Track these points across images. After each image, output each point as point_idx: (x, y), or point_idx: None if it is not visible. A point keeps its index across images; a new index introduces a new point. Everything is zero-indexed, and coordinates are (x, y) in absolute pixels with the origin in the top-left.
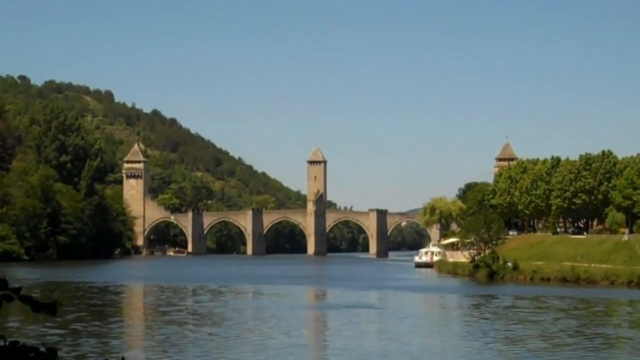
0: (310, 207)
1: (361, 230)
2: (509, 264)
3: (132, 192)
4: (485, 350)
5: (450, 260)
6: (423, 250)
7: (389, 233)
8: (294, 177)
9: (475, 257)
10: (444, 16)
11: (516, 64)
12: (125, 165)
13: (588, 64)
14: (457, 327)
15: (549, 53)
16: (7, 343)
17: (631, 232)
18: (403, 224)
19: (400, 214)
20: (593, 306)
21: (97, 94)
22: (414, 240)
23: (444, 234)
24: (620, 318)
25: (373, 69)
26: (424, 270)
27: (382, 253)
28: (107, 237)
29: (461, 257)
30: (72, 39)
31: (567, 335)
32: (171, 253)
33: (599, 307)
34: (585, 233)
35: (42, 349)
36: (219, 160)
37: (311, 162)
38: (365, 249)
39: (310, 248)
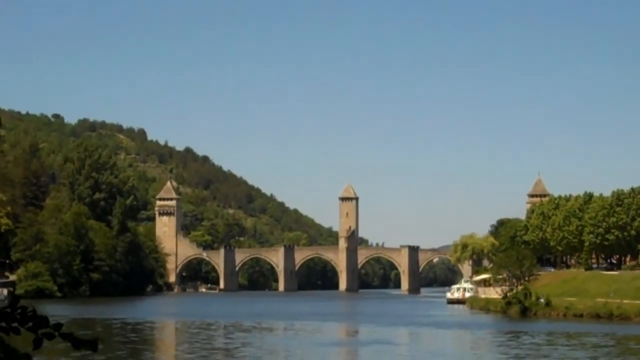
0: (342, 243)
1: (393, 267)
2: (542, 300)
3: (165, 229)
4: None
5: (483, 296)
6: (455, 287)
7: (420, 269)
8: (326, 214)
9: (508, 294)
10: (477, 52)
11: (549, 100)
12: (158, 203)
13: (621, 101)
14: None
15: (581, 90)
16: None
17: None
18: (435, 260)
19: (432, 250)
20: (626, 343)
21: (130, 132)
22: (446, 276)
23: (476, 270)
24: None
25: (405, 106)
26: (456, 306)
27: (414, 289)
28: (139, 274)
29: (493, 293)
30: (106, 78)
31: None
32: (203, 290)
33: (632, 344)
34: (618, 269)
35: None
36: (251, 197)
37: (343, 199)
38: (397, 285)
39: (342, 284)
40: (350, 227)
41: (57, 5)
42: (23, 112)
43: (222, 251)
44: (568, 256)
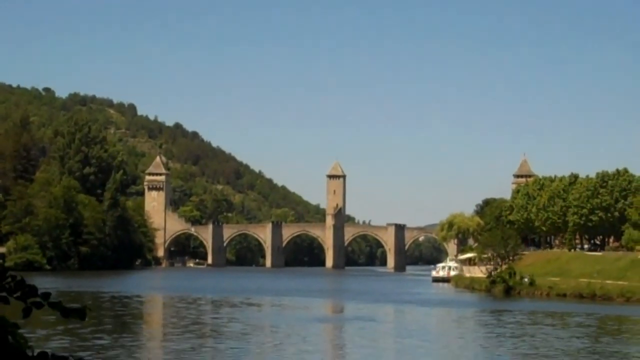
0: (329, 220)
1: (379, 245)
2: (526, 279)
3: (154, 204)
4: None
5: (467, 275)
6: (440, 265)
7: (406, 247)
8: (314, 191)
9: (492, 273)
10: (465, 37)
11: (534, 83)
12: (147, 178)
13: (606, 83)
14: (472, 342)
15: (567, 72)
16: (35, 354)
17: None
18: (421, 238)
19: (419, 228)
20: (609, 323)
21: (120, 107)
22: (432, 255)
23: (461, 249)
24: (635, 335)
25: (393, 86)
26: (440, 284)
27: (399, 267)
28: (128, 248)
29: (478, 272)
30: (96, 52)
31: (583, 352)
32: (191, 264)
33: (614, 324)
34: (601, 250)
35: (72, 359)
36: (239, 174)
37: (330, 177)
38: (383, 263)
39: (329, 261)
40: (337, 204)
41: None
42: (14, 85)
43: (210, 227)
44: (552, 236)
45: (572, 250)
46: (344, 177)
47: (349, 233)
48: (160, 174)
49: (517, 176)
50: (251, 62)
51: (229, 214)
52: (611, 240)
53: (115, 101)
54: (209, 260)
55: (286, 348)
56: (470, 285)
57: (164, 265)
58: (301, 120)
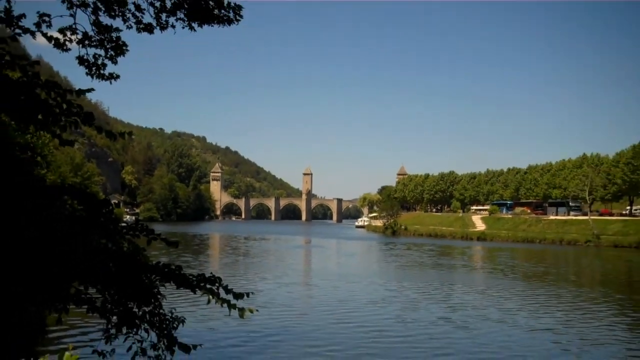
0: (304, 197)
1: (329, 209)
2: (403, 227)
3: (215, 187)
4: (388, 269)
5: (373, 224)
6: (360, 219)
7: (343, 210)
8: (296, 181)
9: (386, 223)
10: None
11: (410, 114)
12: (211, 174)
13: (445, 112)
14: (375, 258)
15: (422, 103)
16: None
17: (463, 211)
18: (350, 206)
19: (349, 200)
20: (443, 249)
21: (198, 138)
22: (356, 214)
23: (371, 211)
24: (457, 256)
25: (338, 114)
26: (360, 230)
27: (339, 221)
28: (201, 210)
29: (379, 223)
30: (186, 107)
31: (430, 263)
32: (234, 219)
33: (446, 249)
34: (441, 212)
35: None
36: (258, 172)
37: (305, 174)
38: (331, 218)
39: (303, 218)
40: (308, 188)
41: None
42: (143, 125)
43: (243, 199)
44: (416, 205)
45: (426, 212)
46: (311, 174)
47: (314, 203)
48: (218, 172)
49: (399, 174)
50: (269, 106)
51: (254, 193)
52: (445, 207)
53: (195, 134)
54: (243, 217)
55: (282, 261)
56: (375, 230)
57: (219, 219)
58: (291, 143)
